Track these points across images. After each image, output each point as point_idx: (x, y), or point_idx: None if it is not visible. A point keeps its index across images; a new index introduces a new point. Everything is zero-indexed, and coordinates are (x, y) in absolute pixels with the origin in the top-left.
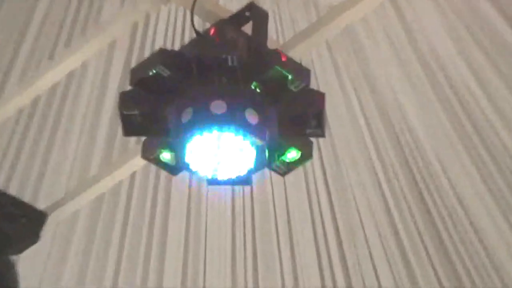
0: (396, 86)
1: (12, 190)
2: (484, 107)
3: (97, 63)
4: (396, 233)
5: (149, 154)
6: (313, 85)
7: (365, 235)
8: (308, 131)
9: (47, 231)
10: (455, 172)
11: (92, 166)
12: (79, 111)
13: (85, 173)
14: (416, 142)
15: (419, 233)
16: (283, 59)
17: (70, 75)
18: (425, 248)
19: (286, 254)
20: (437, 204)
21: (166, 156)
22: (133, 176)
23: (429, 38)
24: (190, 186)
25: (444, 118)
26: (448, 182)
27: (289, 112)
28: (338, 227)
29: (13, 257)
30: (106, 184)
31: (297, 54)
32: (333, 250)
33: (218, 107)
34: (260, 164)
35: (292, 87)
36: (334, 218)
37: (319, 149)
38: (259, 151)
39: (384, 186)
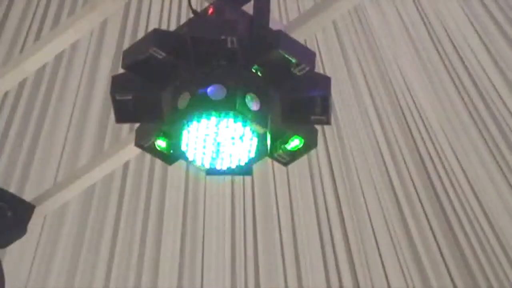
0: (406, 70)
1: None
2: (500, 90)
3: (87, 45)
4: (408, 233)
5: (143, 142)
6: (318, 68)
7: (374, 232)
8: (312, 117)
9: (35, 224)
10: (470, 163)
11: (82, 155)
12: (68, 96)
13: (75, 163)
14: (427, 128)
15: (432, 230)
16: (287, 40)
17: (58, 57)
18: (438, 245)
19: (289, 249)
20: (450, 196)
21: (161, 144)
22: (126, 165)
23: (444, 18)
24: (187, 176)
25: (459, 105)
26: (463, 174)
27: (292, 98)
28: (345, 223)
29: None
30: (97, 174)
31: (302, 35)
32: (340, 247)
33: (217, 92)
34: (261, 153)
35: (296, 71)
36: (340, 212)
37: (325, 136)
38: (261, 139)
39: (394, 177)
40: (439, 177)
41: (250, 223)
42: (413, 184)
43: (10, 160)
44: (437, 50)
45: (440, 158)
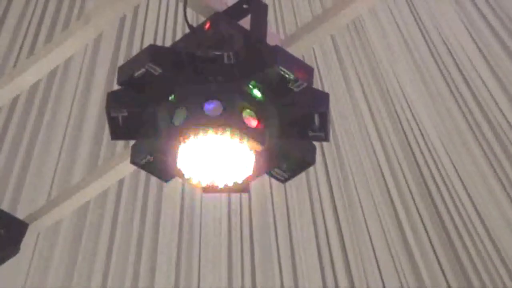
0: (406, 84)
1: None
2: (497, 97)
3: (81, 60)
4: (410, 253)
5: (138, 159)
6: (316, 84)
7: (374, 249)
8: (311, 134)
9: (28, 242)
10: (468, 175)
11: (76, 172)
12: (62, 112)
13: (69, 179)
14: (427, 143)
15: (426, 231)
16: (284, 55)
17: (52, 73)
18: (432, 246)
19: (286, 265)
20: (445, 200)
21: (157, 161)
22: (121, 183)
23: (444, 32)
24: (183, 194)
25: (460, 120)
26: (462, 185)
27: (290, 114)
28: (344, 240)
29: None
30: (91, 191)
31: (300, 50)
32: (339, 264)
33: (213, 108)
34: (259, 170)
35: (293, 87)
36: (339, 228)
37: (323, 153)
38: (258, 156)
39: (394, 193)
40: (440, 192)
41: (247, 242)
42: (413, 200)
43: (2, 176)
44: (436, 63)
45: (440, 173)
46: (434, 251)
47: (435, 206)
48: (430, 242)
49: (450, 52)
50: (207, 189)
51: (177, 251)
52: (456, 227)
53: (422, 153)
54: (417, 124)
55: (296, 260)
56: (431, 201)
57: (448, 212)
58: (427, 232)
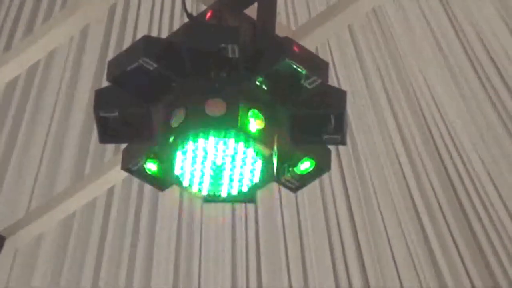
0: (433, 80)
1: None
2: None
3: (66, 54)
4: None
5: (131, 165)
6: (331, 80)
7: (397, 268)
8: (325, 137)
9: (5, 258)
10: (499, 173)
11: (60, 180)
12: (44, 112)
13: (51, 189)
14: (457, 146)
15: (452, 237)
16: (295, 49)
17: (32, 69)
18: (456, 245)
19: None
20: (473, 201)
21: (151, 167)
22: (110, 192)
23: (476, 21)
24: (181, 204)
25: (495, 121)
26: (493, 187)
27: (302, 114)
28: (364, 259)
29: None
30: (77, 202)
31: (313, 42)
32: (356, 285)
33: (216, 107)
34: (266, 178)
35: (306, 84)
36: (358, 245)
37: (339, 158)
38: (266, 161)
39: (419, 203)
40: (471, 202)
41: (253, 259)
42: (441, 211)
43: None
44: (468, 57)
45: (472, 181)
46: (459, 253)
47: (463, 210)
48: (457, 247)
49: (482, 41)
50: (209, 199)
51: (174, 269)
52: (484, 229)
53: (450, 155)
54: (445, 125)
55: (309, 282)
56: (459, 205)
57: (477, 216)
58: (455, 243)
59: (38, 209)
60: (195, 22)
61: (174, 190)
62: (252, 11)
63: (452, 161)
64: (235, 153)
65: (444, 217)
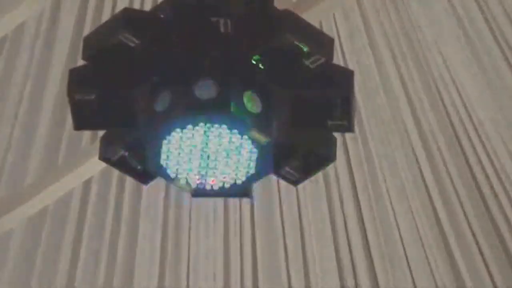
0: (451, 57)
1: None
2: None
3: (35, 29)
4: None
5: (110, 154)
6: (337, 59)
7: (412, 274)
8: (330, 123)
9: None
10: None
11: (30, 171)
12: (10, 96)
13: (19, 181)
14: (479, 133)
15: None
16: (296, 22)
17: None
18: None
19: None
20: (495, 190)
21: (133, 157)
22: (87, 184)
23: None
24: (166, 199)
25: None
26: None
27: (304, 97)
28: (374, 262)
29: None
30: (49, 195)
31: (316, 15)
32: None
33: (206, 89)
34: (264, 169)
35: (308, 63)
36: (366, 245)
37: (346, 147)
38: (263, 151)
39: (435, 195)
40: (494, 192)
41: (248, 260)
42: (461, 205)
43: None
44: (491, 30)
45: (496, 171)
46: (480, 250)
47: (486, 207)
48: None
49: (505, 11)
50: (198, 193)
51: (159, 272)
52: (509, 225)
53: (473, 147)
54: (466, 109)
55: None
56: (482, 201)
57: (504, 215)
58: (475, 238)
59: (5, 204)
60: None
61: (159, 183)
62: None
63: (475, 150)
64: (228, 141)
65: (464, 213)
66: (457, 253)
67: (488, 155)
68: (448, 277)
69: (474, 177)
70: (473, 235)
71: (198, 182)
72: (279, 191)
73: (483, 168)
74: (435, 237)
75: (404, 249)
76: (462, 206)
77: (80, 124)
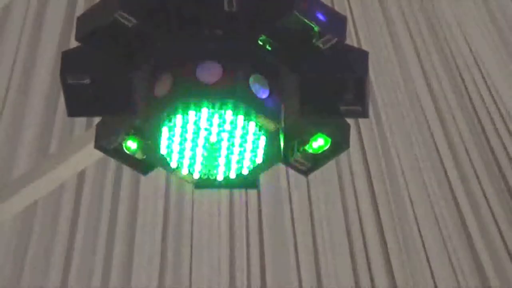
0: (474, 37)
1: None
2: None
3: (25, 8)
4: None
5: (106, 143)
6: (350, 39)
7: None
8: (343, 108)
9: None
10: None
11: (19, 162)
12: (0, 77)
13: (9, 173)
14: (505, 120)
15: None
16: (306, 1)
17: None
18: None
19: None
20: None
21: (132, 146)
22: (81, 176)
23: None
24: (167, 191)
25: None
26: None
27: (315, 81)
28: (390, 256)
29: None
30: (40, 188)
31: None
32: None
33: (210, 72)
34: (272, 158)
35: (319, 43)
36: (383, 239)
37: (360, 133)
38: (271, 138)
39: (457, 185)
40: None
41: (255, 257)
42: (484, 195)
43: None
44: None
45: None
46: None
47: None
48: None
49: None
50: (201, 184)
51: (159, 271)
52: None
53: (498, 133)
54: (490, 93)
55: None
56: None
57: None
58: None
59: None
60: None
61: (159, 173)
62: None
63: (498, 134)
64: (234, 128)
65: (489, 206)
66: (482, 252)
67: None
68: (472, 275)
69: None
70: (499, 231)
71: (201, 172)
72: (288, 181)
73: (507, 154)
74: (458, 234)
75: (425, 249)
76: (484, 195)
77: (74, 110)
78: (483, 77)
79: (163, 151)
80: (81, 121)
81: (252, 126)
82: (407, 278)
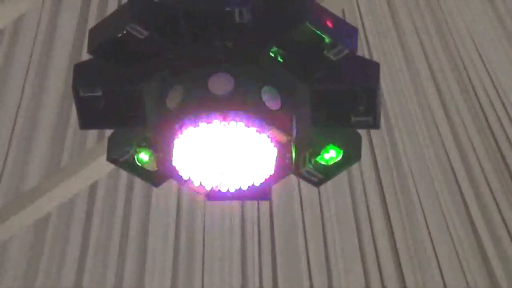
0: (486, 47)
1: None
2: None
3: (37, 20)
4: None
5: (118, 155)
6: (361, 50)
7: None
8: (354, 119)
9: None
10: None
11: (31, 175)
12: (11, 93)
13: (20, 184)
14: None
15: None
16: (317, 11)
17: None
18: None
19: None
20: None
21: (143, 158)
22: (93, 188)
23: None
24: (179, 203)
25: None
26: None
27: (326, 92)
28: (401, 262)
29: None
30: (52, 200)
31: (339, 3)
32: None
33: (221, 84)
34: (283, 170)
35: (330, 55)
36: (394, 246)
37: (371, 144)
38: (283, 149)
39: (469, 195)
40: None
41: (267, 265)
42: (494, 200)
43: None
44: None
45: None
46: None
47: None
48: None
49: None
50: (213, 196)
51: (171, 281)
52: None
53: (509, 142)
54: (501, 100)
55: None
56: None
57: None
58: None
59: (5, 209)
60: None
61: (170, 185)
62: None
63: (507, 139)
64: (245, 140)
65: (498, 206)
66: (490, 251)
67: None
68: (481, 275)
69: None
70: (508, 233)
71: (212, 184)
72: (300, 193)
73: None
74: (467, 236)
75: (436, 254)
76: (495, 201)
77: (86, 122)
78: (494, 87)
79: (174, 163)
80: (93, 133)
81: (264, 137)
82: (418, 283)
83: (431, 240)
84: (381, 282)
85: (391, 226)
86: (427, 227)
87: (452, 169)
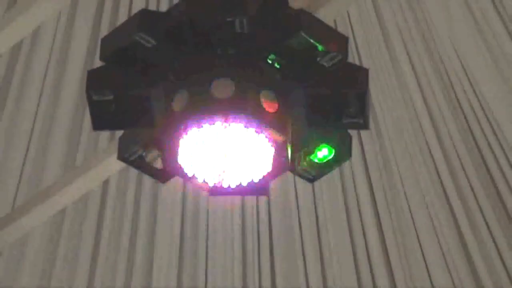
0: (467, 56)
1: None
2: None
3: (53, 31)
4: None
5: (128, 154)
6: (352, 57)
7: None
8: (345, 121)
9: None
10: None
11: (48, 172)
12: (29, 97)
13: (38, 182)
14: (494, 129)
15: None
16: (311, 21)
17: (16, 47)
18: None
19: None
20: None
21: (151, 156)
22: (105, 185)
23: None
24: (184, 198)
25: None
26: None
27: (319, 95)
28: (389, 254)
29: None
30: (67, 196)
31: (331, 14)
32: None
33: (222, 88)
34: (280, 167)
35: (323, 61)
36: (382, 241)
37: (361, 144)
38: (279, 149)
39: (451, 192)
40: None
41: (266, 258)
42: (476, 202)
43: None
44: (506, 28)
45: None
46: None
47: (502, 202)
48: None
49: None
50: (215, 191)
51: (178, 272)
52: None
53: (491, 148)
54: (481, 107)
55: (328, 280)
56: (499, 198)
57: None
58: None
59: (24, 204)
60: None
61: (176, 181)
62: None
63: (491, 149)
64: (245, 139)
65: (483, 215)
66: (474, 253)
67: (504, 151)
68: (465, 273)
69: (489, 173)
70: (490, 234)
71: (215, 180)
72: (295, 188)
73: (498, 165)
74: (452, 236)
75: (423, 255)
76: (477, 202)
77: (98, 124)
78: (476, 95)
79: (180, 161)
80: (105, 134)
81: (262, 138)
82: (407, 280)
83: (418, 240)
84: (372, 279)
85: (379, 220)
86: (414, 225)
87: (436, 169)
